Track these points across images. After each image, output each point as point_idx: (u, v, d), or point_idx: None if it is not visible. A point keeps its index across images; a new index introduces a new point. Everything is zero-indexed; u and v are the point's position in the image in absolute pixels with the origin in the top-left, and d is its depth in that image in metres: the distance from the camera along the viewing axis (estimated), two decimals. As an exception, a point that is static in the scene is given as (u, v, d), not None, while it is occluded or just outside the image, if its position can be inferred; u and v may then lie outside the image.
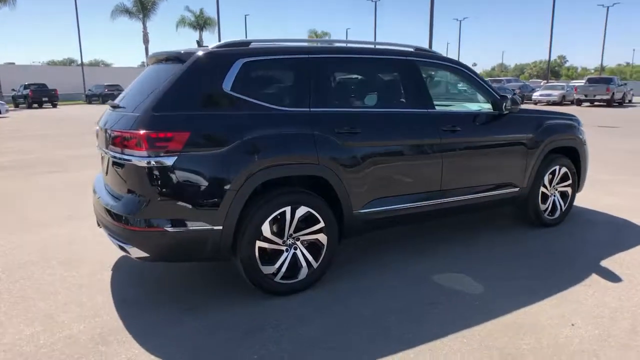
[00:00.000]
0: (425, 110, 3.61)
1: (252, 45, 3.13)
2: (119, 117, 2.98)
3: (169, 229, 2.71)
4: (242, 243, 2.87)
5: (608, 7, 48.12)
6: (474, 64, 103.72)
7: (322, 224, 3.12)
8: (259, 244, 2.94)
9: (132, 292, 3.20)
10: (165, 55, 3.18)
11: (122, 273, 3.54)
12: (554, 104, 27.85)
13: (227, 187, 2.77)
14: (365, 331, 2.68)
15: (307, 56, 3.22)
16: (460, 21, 62.67)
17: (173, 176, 2.68)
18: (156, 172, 2.66)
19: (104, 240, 3.90)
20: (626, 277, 3.38)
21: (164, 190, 2.69)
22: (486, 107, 4.08)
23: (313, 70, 3.19)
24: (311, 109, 3.11)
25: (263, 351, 2.47)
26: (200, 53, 2.93)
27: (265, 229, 2.94)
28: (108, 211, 2.90)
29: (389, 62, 3.62)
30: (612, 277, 3.40)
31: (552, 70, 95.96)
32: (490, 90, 4.05)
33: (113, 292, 3.20)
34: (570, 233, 4.40)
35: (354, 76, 3.63)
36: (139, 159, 2.66)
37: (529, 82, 39.65)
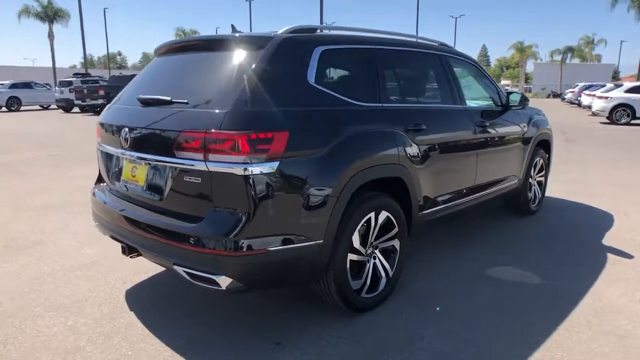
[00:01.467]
0: (463, 107, 3.63)
1: (319, 32, 2.77)
2: (172, 113, 2.39)
3: (272, 249, 2.24)
4: (337, 257, 2.52)
5: (456, 18, 54.79)
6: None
7: (396, 229, 2.91)
8: (350, 256, 2.62)
9: (196, 331, 2.60)
10: (221, 40, 2.64)
11: (163, 310, 2.88)
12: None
13: (327, 194, 2.40)
14: (489, 332, 2.56)
15: (377, 47, 2.99)
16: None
17: (276, 185, 2.22)
18: (257, 182, 2.16)
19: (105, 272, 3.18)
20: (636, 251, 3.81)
21: (266, 203, 2.21)
22: (486, 103, 4.22)
23: (382, 62, 2.98)
24: (383, 104, 2.88)
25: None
26: (281, 38, 2.48)
27: (355, 238, 2.64)
28: (177, 235, 2.29)
29: (437, 57, 3.55)
30: (626, 254, 3.80)
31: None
32: (497, 86, 4.24)
33: (169, 337, 2.56)
34: (552, 218, 4.84)
35: (413, 70, 3.47)
36: (235, 166, 2.14)
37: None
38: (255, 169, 2.15)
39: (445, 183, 3.36)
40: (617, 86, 17.61)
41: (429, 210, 3.23)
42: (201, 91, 2.42)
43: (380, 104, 2.87)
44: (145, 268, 3.48)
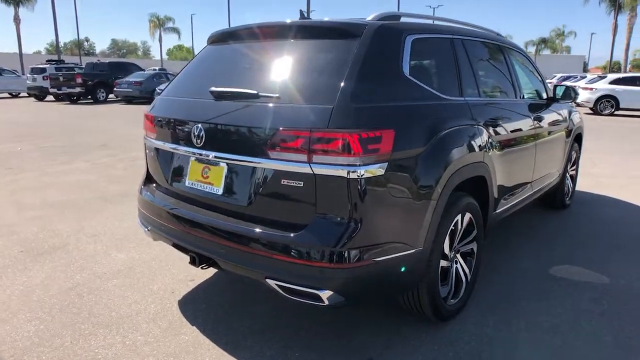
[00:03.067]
0: (524, 100, 3.49)
1: (404, 19, 2.53)
2: (261, 109, 2.12)
3: (378, 259, 2.02)
4: (432, 264, 2.32)
5: (434, 9, 54.74)
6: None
7: (475, 231, 2.74)
8: (442, 263, 2.43)
9: (274, 349, 2.36)
10: (306, 27, 2.36)
11: (229, 324, 2.61)
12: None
13: (429, 197, 2.19)
14: (585, 340, 2.42)
15: (458, 37, 2.79)
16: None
17: (385, 189, 2.00)
18: (368, 185, 1.93)
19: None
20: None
21: (376, 208, 1.98)
22: (535, 95, 4.08)
23: (463, 54, 2.77)
24: (465, 99, 2.68)
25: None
26: (376, 25, 2.23)
27: (446, 243, 2.44)
28: (271, 245, 2.03)
29: (500, 49, 3.38)
30: (677, 250, 3.75)
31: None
32: (543, 77, 4.11)
33: (246, 357, 2.31)
34: (583, 212, 4.78)
35: (486, 63, 3.26)
36: (345, 168, 1.90)
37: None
38: (365, 172, 1.91)
39: (512, 179, 3.20)
40: (601, 77, 17.95)
41: (500, 210, 3.07)
42: (290, 84, 2.16)
43: (463, 98, 2.67)
44: (190, 275, 3.21)
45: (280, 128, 2.00)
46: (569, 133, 4.39)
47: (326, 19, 2.48)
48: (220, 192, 2.26)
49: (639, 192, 5.53)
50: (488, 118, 2.81)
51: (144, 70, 24.36)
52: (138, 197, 2.84)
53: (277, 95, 2.11)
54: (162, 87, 19.52)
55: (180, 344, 2.42)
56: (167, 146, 2.54)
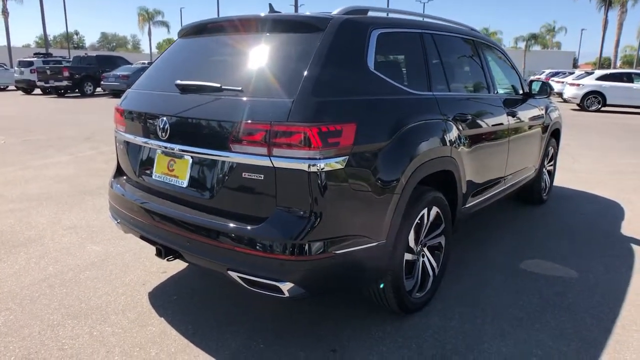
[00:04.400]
0: (497, 95, 3.52)
1: (371, 14, 2.54)
2: (223, 102, 2.13)
3: (339, 252, 2.05)
4: (396, 257, 2.36)
5: (424, 4, 54.78)
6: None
7: (443, 225, 2.77)
8: (406, 256, 2.46)
9: (239, 341, 2.39)
10: (270, 20, 2.37)
11: (197, 316, 2.63)
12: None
13: (391, 191, 2.22)
14: (549, 333, 2.47)
15: (427, 32, 2.80)
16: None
17: (345, 182, 2.02)
18: (328, 178, 1.95)
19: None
20: (655, 243, 3.83)
21: (335, 202, 2.00)
22: (510, 90, 4.12)
23: (431, 48, 2.79)
24: (434, 93, 2.71)
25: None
26: (341, 19, 2.25)
27: (411, 237, 2.48)
28: (233, 237, 2.05)
29: (473, 43, 3.40)
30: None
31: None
32: (519, 72, 4.15)
33: (211, 348, 2.34)
34: (562, 208, 4.84)
35: (455, 57, 3.28)
36: (304, 161, 1.91)
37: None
38: (325, 165, 1.93)
39: (482, 174, 3.24)
40: (588, 74, 18.10)
41: (470, 204, 3.11)
42: (254, 77, 2.17)
43: (431, 93, 2.69)
44: (162, 267, 3.22)
45: (242, 121, 2.00)
46: (545, 128, 4.44)
47: (301, 13, 2.49)
48: (185, 184, 2.27)
49: (617, 187, 5.62)
50: (457, 113, 2.84)
51: (131, 63, 24.14)
52: (108, 190, 2.84)
53: (240, 88, 2.12)
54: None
55: (147, 335, 2.43)
56: (136, 139, 2.54)
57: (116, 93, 20.64)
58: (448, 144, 2.64)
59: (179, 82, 2.31)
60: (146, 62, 31.30)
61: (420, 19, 2.95)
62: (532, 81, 4.16)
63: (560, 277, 3.21)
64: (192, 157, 2.23)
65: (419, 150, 2.37)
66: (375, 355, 2.28)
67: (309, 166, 1.92)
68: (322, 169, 1.93)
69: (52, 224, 4.10)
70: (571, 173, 6.37)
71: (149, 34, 62.84)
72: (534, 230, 4.17)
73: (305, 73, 2.03)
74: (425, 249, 2.70)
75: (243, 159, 2.02)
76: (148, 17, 60.95)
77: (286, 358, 2.26)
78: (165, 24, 63.60)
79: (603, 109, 16.86)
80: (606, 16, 41.40)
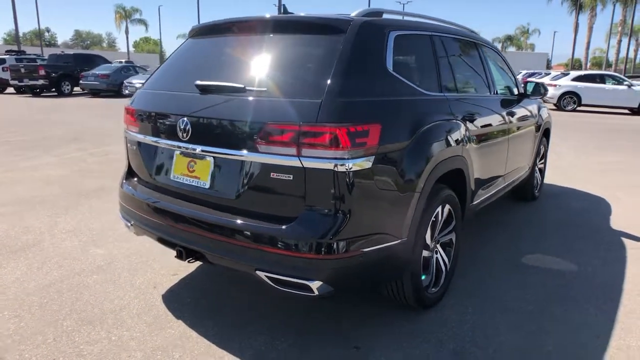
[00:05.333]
0: (498, 96, 3.61)
1: (385, 16, 2.58)
2: (248, 103, 2.14)
3: (366, 250, 2.08)
4: (415, 254, 2.41)
5: (404, 5, 55.29)
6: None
7: (454, 222, 2.84)
8: (423, 253, 2.52)
9: (261, 340, 2.40)
10: (291, 21, 2.40)
11: (215, 317, 2.62)
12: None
13: (413, 189, 2.27)
14: (557, 324, 2.56)
15: (437, 34, 2.87)
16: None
17: (371, 182, 2.06)
18: (356, 178, 1.99)
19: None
20: (645, 237, 4.00)
21: (363, 201, 2.04)
22: (507, 91, 4.23)
23: (441, 50, 2.86)
24: (445, 94, 2.77)
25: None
26: (361, 21, 2.28)
27: (427, 234, 2.53)
28: (261, 237, 2.06)
29: (475, 45, 3.49)
30: (638, 237, 3.98)
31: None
32: (514, 73, 4.27)
33: (235, 349, 2.34)
34: (553, 204, 5.00)
35: (461, 59, 3.34)
36: (334, 161, 1.94)
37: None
38: (353, 165, 1.97)
39: (487, 172, 3.33)
40: (564, 74, 18.63)
41: (476, 202, 3.19)
42: (278, 78, 2.18)
43: (442, 94, 2.76)
44: (172, 269, 3.20)
45: (269, 122, 2.02)
46: (538, 128, 4.58)
47: (303, 14, 2.51)
48: (207, 185, 2.26)
49: (601, 184, 5.82)
50: (465, 113, 2.91)
51: (110, 62, 23.69)
52: (119, 191, 2.81)
53: (264, 89, 2.13)
54: (132, 80, 19.08)
55: (167, 338, 2.42)
56: (151, 140, 2.52)
57: (95, 92, 20.22)
58: (458, 143, 2.71)
59: (199, 82, 2.30)
60: (123, 60, 30.70)
61: (429, 21, 3.01)
62: (526, 82, 4.28)
63: (561, 270, 3.32)
64: (214, 157, 2.23)
65: (436, 150, 2.43)
66: (398, 351, 2.32)
67: (338, 166, 1.95)
68: (350, 169, 1.96)
69: (49, 227, 4.01)
70: (557, 170, 6.57)
71: (127, 32, 61.59)
72: (529, 226, 4.29)
73: (331, 74, 2.06)
74: (438, 246, 2.76)
75: (271, 159, 2.03)
76: (125, 14, 59.71)
77: (311, 355, 2.28)
78: (143, 22, 62.42)
79: (578, 108, 17.39)
80: (577, 19, 42.66)
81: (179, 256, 2.35)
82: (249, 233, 2.09)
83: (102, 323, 2.54)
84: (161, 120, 2.44)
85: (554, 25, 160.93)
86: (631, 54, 47.28)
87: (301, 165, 1.97)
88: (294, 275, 2.02)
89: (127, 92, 19.01)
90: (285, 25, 2.38)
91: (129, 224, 2.68)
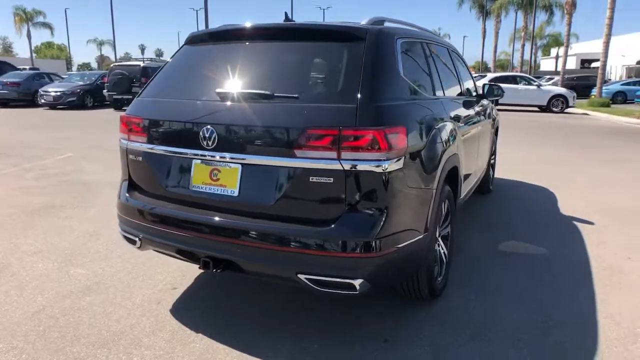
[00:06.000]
0: (467, 97, 3.90)
1: (386, 24, 2.71)
2: (280, 109, 2.16)
3: (399, 246, 2.18)
4: (432, 247, 2.56)
5: (324, 10, 56.60)
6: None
7: (450, 215, 3.05)
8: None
9: (290, 346, 2.40)
10: (310, 29, 2.44)
11: (235, 326, 2.57)
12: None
13: (431, 187, 2.42)
14: (553, 304, 2.84)
15: (425, 41, 3.06)
16: (197, 11, 60.44)
17: (404, 181, 2.17)
18: (392, 179, 2.08)
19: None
20: (594, 219, 4.52)
21: (398, 200, 2.14)
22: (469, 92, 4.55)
23: (430, 55, 3.05)
24: (438, 97, 2.97)
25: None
26: (377, 29, 2.38)
27: (437, 228, 2.69)
28: (302, 241, 2.08)
29: (447, 50, 3.72)
30: (586, 221, 4.48)
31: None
32: (472, 76, 4.62)
33: (266, 356, 2.33)
34: (508, 195, 5.46)
35: (441, 64, 3.53)
36: (373, 163, 2.03)
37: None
38: (389, 166, 2.06)
39: (468, 168, 3.59)
40: (482, 76, 20.17)
41: (462, 196, 3.43)
42: (307, 84, 2.22)
43: (436, 96, 2.95)
44: (169, 283, 3.09)
45: (308, 127, 2.06)
46: (493, 125, 4.99)
47: (337, 23, 2.56)
48: (236, 193, 2.24)
49: (540, 175, 6.43)
50: (453, 113, 3.13)
51: (19, 69, 21.73)
52: (120, 204, 2.66)
53: (296, 95, 2.16)
54: (48, 88, 17.68)
55: (194, 352, 2.35)
56: (163, 149, 2.43)
57: (4, 102, 18.42)
58: (455, 141, 2.91)
59: (221, 90, 2.27)
60: (27, 67, 28.21)
61: (417, 29, 3.20)
62: (484, 85, 4.65)
63: (534, 254, 3.67)
64: (242, 164, 2.22)
65: (446, 149, 2.61)
66: (424, 339, 2.45)
67: (376, 167, 2.03)
68: (386, 170, 2.06)
69: (11, 251, 3.66)
70: (503, 164, 7.15)
71: (29, 36, 56.34)
72: (494, 217, 4.66)
73: (360, 80, 2.14)
74: (439, 238, 2.94)
75: (310, 164, 2.06)
76: (26, 17, 54.63)
77: (345, 353, 2.34)
78: (48, 25, 57.36)
79: (496, 107, 18.88)
80: (484, 25, 46.23)
81: (205, 266, 2.30)
82: (289, 237, 2.11)
83: (117, 345, 2.40)
84: (178, 129, 2.37)
85: (464, 30, 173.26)
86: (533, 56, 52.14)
87: (342, 168, 2.03)
88: (338, 275, 2.07)
89: (43, 101, 17.56)
90: (303, 32, 2.43)
91: (136, 239, 2.55)
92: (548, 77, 29.50)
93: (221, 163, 2.26)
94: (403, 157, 2.16)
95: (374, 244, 2.06)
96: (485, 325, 2.60)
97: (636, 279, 3.21)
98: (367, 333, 2.52)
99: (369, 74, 2.18)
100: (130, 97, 16.80)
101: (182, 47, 2.80)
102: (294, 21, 2.72)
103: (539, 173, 6.59)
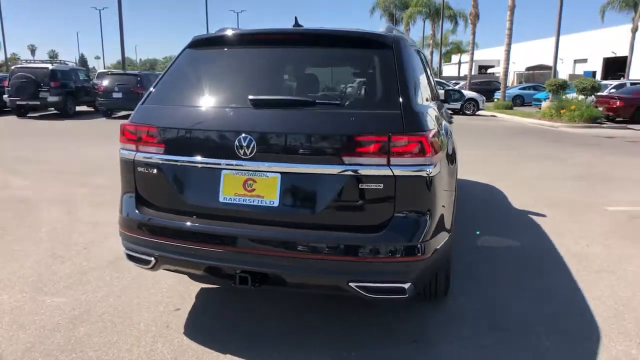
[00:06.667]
0: (442, 101, 4.10)
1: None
2: (324, 116, 2.13)
3: (438, 247, 2.25)
4: (452, 246, 2.66)
5: (238, 14, 56.01)
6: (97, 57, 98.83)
7: (451, 214, 3.20)
8: (447, 244, 2.80)
9: (323, 353, 2.35)
10: (338, 35, 2.41)
11: (259, 342, 2.45)
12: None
13: (454, 188, 2.53)
14: (546, 290, 3.09)
15: (416, 48, 3.16)
16: (100, 10, 57.90)
17: (440, 185, 2.23)
18: (434, 182, 2.13)
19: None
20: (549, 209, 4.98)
21: (439, 202, 2.20)
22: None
23: (422, 62, 3.18)
24: (434, 100, 3.11)
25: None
26: (399, 36, 2.42)
27: (448, 227, 2.82)
28: (354, 248, 2.06)
29: (424, 56, 3.88)
30: (538, 213, 4.92)
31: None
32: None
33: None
34: (464, 194, 5.83)
35: (425, 68, 3.62)
36: (421, 167, 2.06)
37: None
38: (432, 170, 2.12)
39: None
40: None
41: None
42: (346, 91, 2.21)
43: (434, 100, 3.09)
44: (170, 304, 2.88)
45: (356, 134, 2.04)
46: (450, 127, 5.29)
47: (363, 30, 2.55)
48: (276, 203, 2.15)
49: (482, 173, 6.94)
50: (441, 116, 3.28)
51: None
52: (126, 221, 2.43)
53: (338, 102, 2.14)
54: None
55: (230, 374, 2.21)
56: (185, 160, 2.26)
57: None
58: (452, 143, 3.07)
59: (254, 97, 2.16)
60: None
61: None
62: (445, 90, 4.92)
63: (510, 246, 3.96)
64: (281, 173, 2.13)
65: (455, 151, 2.73)
66: (450, 335, 2.54)
67: (423, 171, 2.08)
68: (430, 174, 2.11)
69: (-38, 282, 3.16)
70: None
71: None
72: (459, 214, 4.92)
73: (399, 86, 2.17)
74: None
75: (360, 170, 2.05)
76: None
77: (383, 358, 2.35)
78: None
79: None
80: (394, 32, 48.61)
81: (242, 282, 2.17)
82: (340, 246, 2.07)
83: (143, 377, 2.19)
84: (205, 138, 2.22)
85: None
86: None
87: (391, 174, 2.04)
88: (389, 280, 2.08)
89: None
90: (330, 39, 2.40)
91: (150, 258, 2.34)
92: (454, 82, 31.81)
93: (257, 173, 2.16)
94: (439, 161, 2.23)
95: (422, 247, 2.10)
96: (497, 316, 2.77)
97: (601, 263, 3.60)
98: (397, 336, 2.55)
99: (404, 80, 2.22)
100: (38, 102, 15.28)
101: (183, 50, 2.62)
102: (302, 26, 2.68)
103: (479, 171, 7.09)
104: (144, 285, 3.12)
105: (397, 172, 2.05)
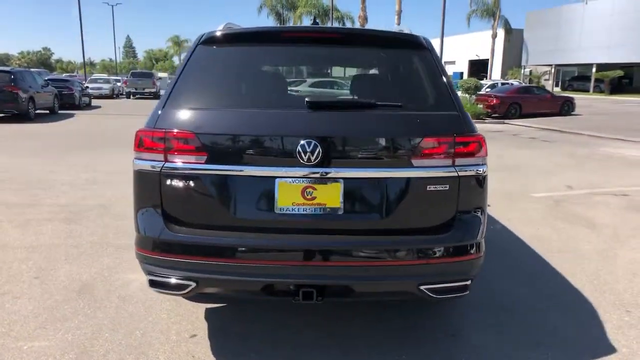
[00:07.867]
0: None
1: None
2: (385, 118, 2.07)
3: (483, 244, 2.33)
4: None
5: (113, 6, 51.59)
6: None
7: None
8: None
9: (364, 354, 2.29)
10: (380, 36, 2.35)
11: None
12: (106, 97, 27.50)
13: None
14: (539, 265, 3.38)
15: None
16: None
17: (487, 182, 2.31)
18: (486, 180, 2.20)
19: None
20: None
21: (486, 201, 2.27)
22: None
23: None
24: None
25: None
26: (424, 38, 2.43)
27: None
28: (424, 251, 2.04)
29: None
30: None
31: (43, 63, 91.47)
32: None
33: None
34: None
35: None
36: (479, 167, 2.11)
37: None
38: (486, 169, 2.19)
39: None
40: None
41: None
42: (402, 92, 2.15)
43: None
44: (183, 331, 2.58)
45: (425, 136, 2.02)
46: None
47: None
48: (340, 211, 2.03)
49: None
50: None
51: None
52: (151, 242, 2.10)
53: (399, 104, 2.09)
54: None
55: (296, 399, 2.05)
56: (232, 170, 2.02)
57: None
58: None
59: (311, 99, 2.02)
60: None
61: None
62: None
63: (492, 228, 4.25)
64: (344, 179, 2.03)
65: None
66: (489, 328, 2.65)
67: (480, 171, 2.14)
68: (485, 173, 2.18)
69: None
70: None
71: None
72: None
73: (447, 87, 2.20)
74: None
75: (429, 173, 2.04)
76: None
77: (433, 354, 2.38)
78: None
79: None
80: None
81: (306, 298, 2.01)
82: (409, 250, 2.04)
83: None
84: (258, 144, 2.01)
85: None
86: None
87: (456, 174, 2.07)
88: (456, 280, 2.11)
89: None
90: (369, 38, 2.33)
91: (190, 282, 2.06)
92: (346, 81, 33.22)
93: (318, 180, 2.02)
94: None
95: (481, 244, 2.17)
96: (505, 301, 2.96)
97: (557, 244, 4.06)
98: (435, 332, 2.59)
99: (450, 81, 2.26)
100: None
101: (196, 47, 2.34)
102: (318, 24, 2.57)
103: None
104: (136, 315, 2.74)
105: (461, 172, 2.08)
